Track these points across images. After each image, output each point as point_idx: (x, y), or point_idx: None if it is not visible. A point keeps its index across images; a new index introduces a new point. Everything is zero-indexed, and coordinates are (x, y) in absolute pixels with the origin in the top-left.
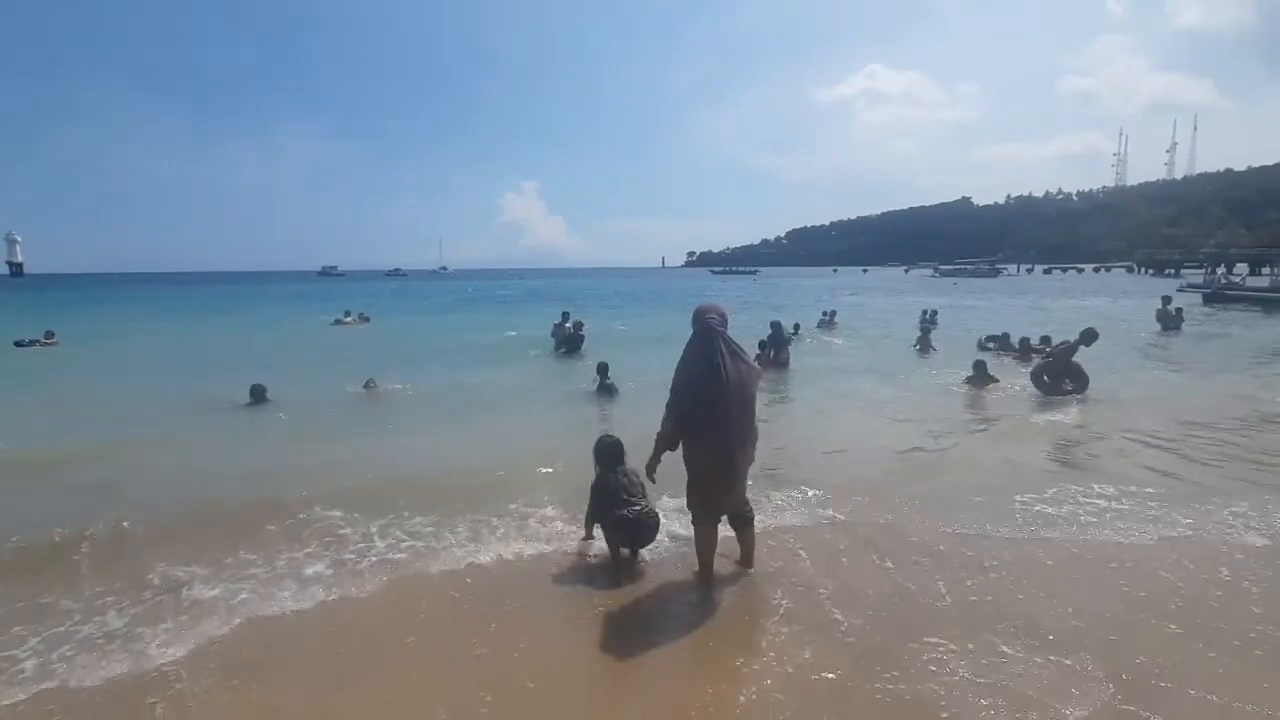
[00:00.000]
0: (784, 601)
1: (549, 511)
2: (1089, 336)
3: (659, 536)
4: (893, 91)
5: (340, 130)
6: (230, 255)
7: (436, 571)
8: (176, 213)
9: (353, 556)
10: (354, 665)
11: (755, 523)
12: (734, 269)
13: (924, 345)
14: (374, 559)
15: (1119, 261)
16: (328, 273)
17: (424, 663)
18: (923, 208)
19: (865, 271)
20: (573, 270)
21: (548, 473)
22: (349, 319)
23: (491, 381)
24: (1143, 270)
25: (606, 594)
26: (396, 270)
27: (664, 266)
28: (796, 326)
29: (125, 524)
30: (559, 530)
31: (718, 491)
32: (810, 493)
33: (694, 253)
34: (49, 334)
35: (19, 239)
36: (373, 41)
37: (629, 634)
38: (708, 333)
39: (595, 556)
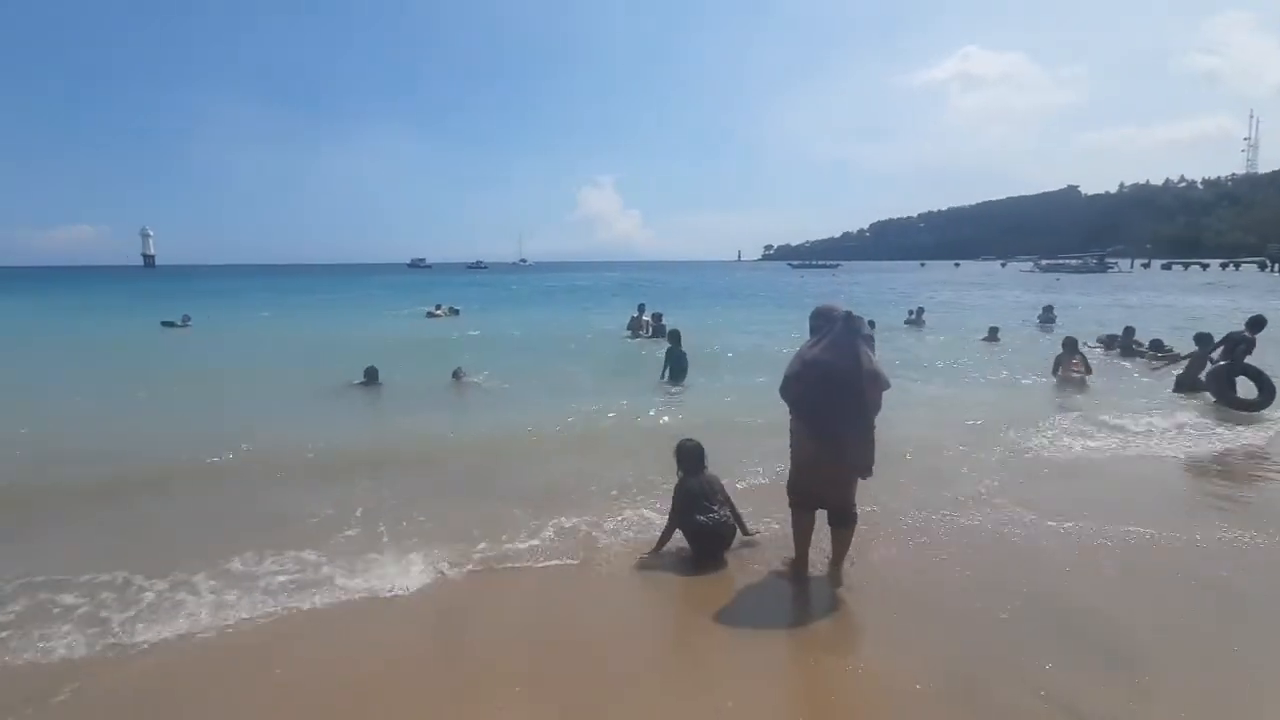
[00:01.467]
0: (875, 603)
1: (626, 513)
2: (1257, 324)
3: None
4: (990, 75)
5: (427, 127)
6: (331, 248)
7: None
8: (284, 208)
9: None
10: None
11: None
12: (813, 263)
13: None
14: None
15: (1250, 257)
16: (416, 265)
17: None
18: (1022, 198)
19: (957, 266)
20: (647, 263)
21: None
22: (440, 311)
23: (571, 371)
24: (1275, 267)
25: (689, 580)
26: (478, 263)
27: (739, 260)
28: (872, 323)
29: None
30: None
31: (819, 481)
32: (908, 493)
33: (771, 246)
34: (185, 318)
35: (152, 233)
36: (454, 39)
37: (707, 626)
38: (845, 325)
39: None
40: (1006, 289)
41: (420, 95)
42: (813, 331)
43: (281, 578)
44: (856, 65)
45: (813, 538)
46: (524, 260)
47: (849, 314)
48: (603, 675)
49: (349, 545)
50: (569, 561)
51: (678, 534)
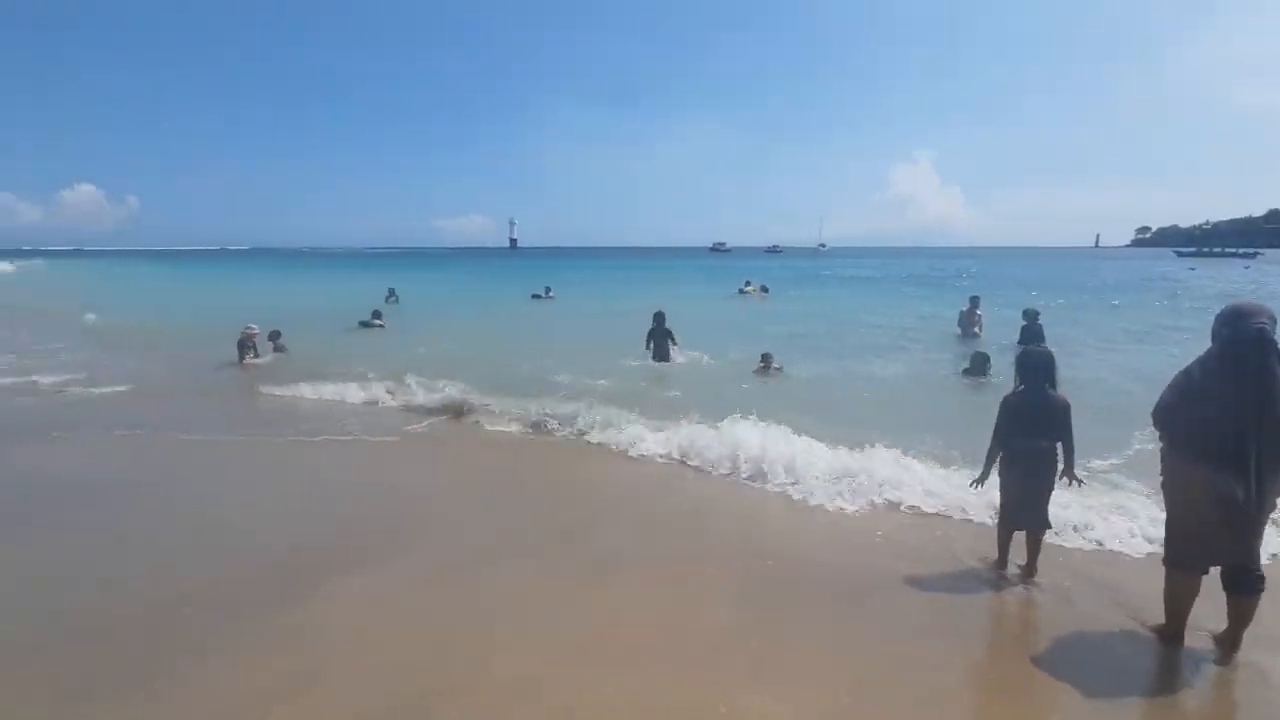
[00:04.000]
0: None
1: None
2: None
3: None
4: None
5: (727, 112)
6: (644, 232)
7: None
8: (608, 197)
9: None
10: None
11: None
12: (1213, 250)
13: None
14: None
15: None
16: (718, 249)
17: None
18: None
19: None
20: (968, 249)
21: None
22: (750, 288)
23: (887, 370)
24: None
25: (974, 601)
26: (774, 247)
27: (1097, 246)
28: None
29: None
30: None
31: (1220, 537)
32: None
33: (1147, 229)
34: (547, 289)
35: (516, 221)
36: (751, 20)
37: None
38: (1255, 340)
39: (983, 562)
40: None
41: (726, 86)
42: (1214, 338)
43: None
44: None
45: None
46: (823, 245)
47: (1257, 330)
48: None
49: None
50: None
51: None
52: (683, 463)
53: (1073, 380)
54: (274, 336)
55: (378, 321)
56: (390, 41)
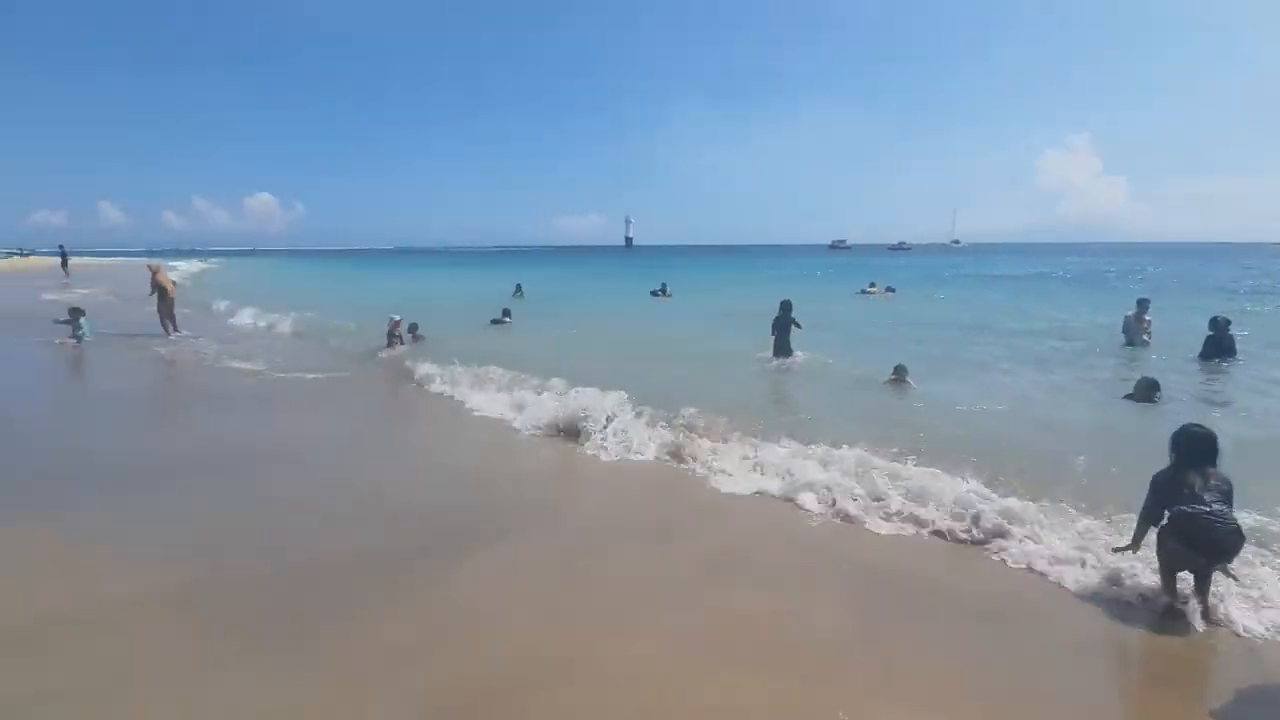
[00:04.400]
0: None
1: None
2: None
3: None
4: None
5: (849, 101)
6: (755, 231)
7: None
8: (720, 195)
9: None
10: None
11: None
12: None
13: None
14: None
15: None
16: (837, 247)
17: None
18: None
19: None
20: (1134, 245)
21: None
22: (874, 289)
23: (1031, 388)
24: None
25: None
26: (900, 244)
27: None
28: None
29: None
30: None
31: None
32: None
33: None
34: (665, 287)
35: (632, 220)
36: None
37: None
38: None
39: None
40: None
41: (848, 72)
42: None
43: None
44: None
45: None
46: (956, 242)
47: None
48: None
49: None
50: None
51: None
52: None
53: (1265, 416)
54: (412, 328)
55: (506, 319)
56: (519, 58)
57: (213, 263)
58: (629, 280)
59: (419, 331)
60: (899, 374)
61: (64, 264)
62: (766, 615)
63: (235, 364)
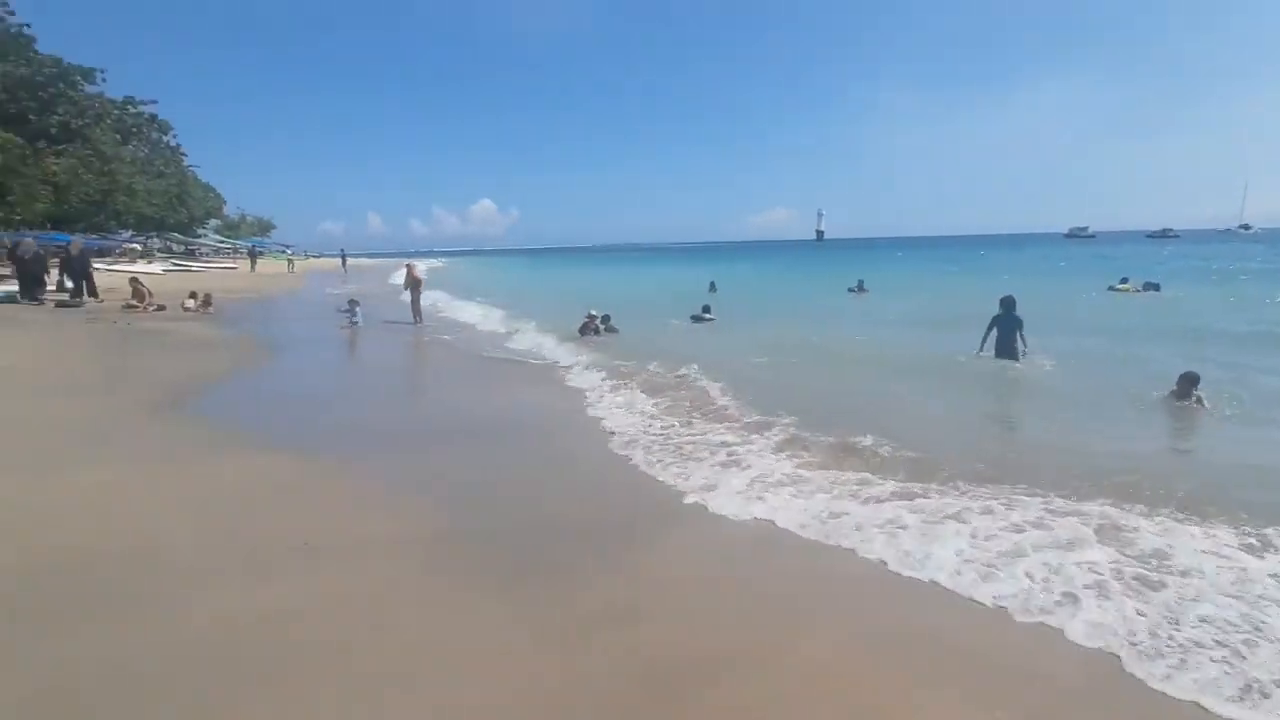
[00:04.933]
0: None
1: None
2: None
3: None
4: None
5: (1089, 67)
6: (974, 220)
7: None
8: (926, 183)
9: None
10: None
11: None
12: None
13: None
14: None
15: None
16: (1076, 235)
17: None
18: None
19: None
20: None
21: None
22: (1125, 286)
23: None
24: None
25: None
26: (1165, 231)
27: None
28: None
29: None
30: None
31: None
32: None
33: None
34: (861, 284)
35: (824, 213)
36: None
37: None
38: None
39: None
40: None
41: (1077, 39)
42: None
43: None
44: None
45: None
46: (1245, 227)
47: None
48: None
49: None
50: None
51: None
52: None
53: None
54: (604, 319)
55: (708, 315)
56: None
57: (444, 261)
58: (820, 275)
59: (611, 324)
60: (1186, 385)
61: (343, 263)
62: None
63: (463, 347)
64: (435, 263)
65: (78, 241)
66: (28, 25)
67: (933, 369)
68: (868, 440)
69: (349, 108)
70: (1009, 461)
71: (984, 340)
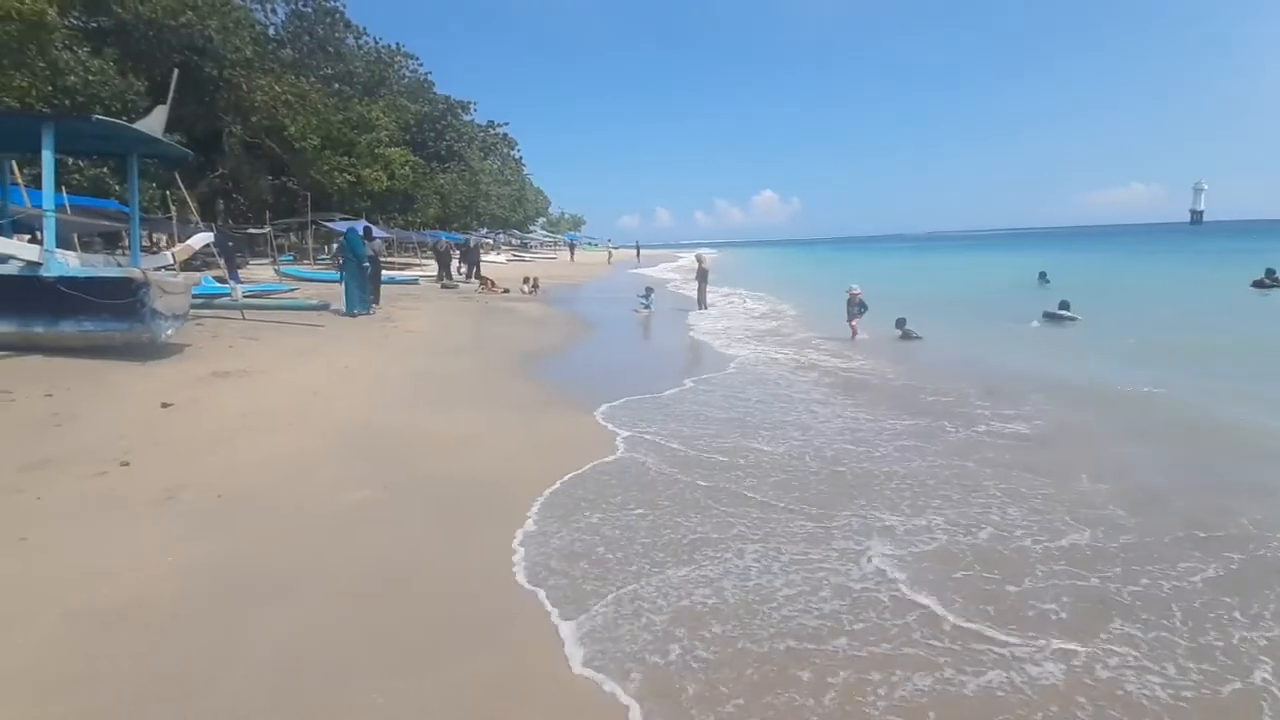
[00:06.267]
0: None
1: None
2: None
3: None
4: None
5: None
6: None
7: None
8: None
9: None
10: None
11: None
12: None
13: None
14: None
15: None
16: None
17: None
18: None
19: None
20: None
21: None
22: None
23: None
24: None
25: None
26: None
27: None
28: None
29: None
30: None
31: None
32: None
33: None
34: (1272, 273)
35: (1205, 187)
36: None
37: None
38: None
39: None
40: None
41: None
42: None
43: None
44: None
45: None
46: None
47: None
48: None
49: None
50: None
51: None
52: None
53: None
54: (899, 324)
55: (1067, 313)
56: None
57: (727, 251)
58: (1194, 263)
59: (907, 327)
60: None
61: (638, 254)
62: None
63: (740, 336)
64: (712, 253)
65: (472, 238)
66: (430, 72)
67: None
68: None
69: (644, 111)
70: None
71: None
